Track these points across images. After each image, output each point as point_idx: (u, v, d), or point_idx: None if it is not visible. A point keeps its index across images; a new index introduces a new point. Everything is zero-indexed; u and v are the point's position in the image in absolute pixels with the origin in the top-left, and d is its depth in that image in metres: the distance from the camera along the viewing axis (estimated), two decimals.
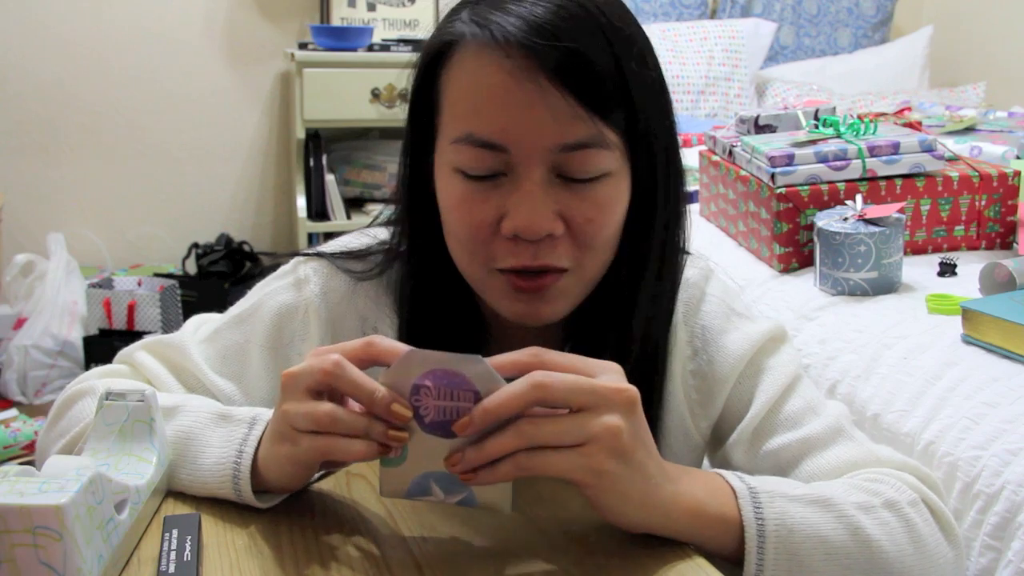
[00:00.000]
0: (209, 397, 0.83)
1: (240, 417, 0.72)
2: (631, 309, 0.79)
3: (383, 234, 0.88)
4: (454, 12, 0.75)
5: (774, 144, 1.59)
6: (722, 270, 0.91)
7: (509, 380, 0.61)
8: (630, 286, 0.78)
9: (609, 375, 0.62)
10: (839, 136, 1.60)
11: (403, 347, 0.62)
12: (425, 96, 0.77)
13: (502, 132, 0.70)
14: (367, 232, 0.90)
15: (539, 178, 0.71)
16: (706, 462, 0.91)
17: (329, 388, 0.62)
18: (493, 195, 0.72)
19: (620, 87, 0.71)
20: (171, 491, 0.73)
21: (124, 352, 0.88)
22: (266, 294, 0.88)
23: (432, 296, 0.83)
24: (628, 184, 0.75)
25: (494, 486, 0.63)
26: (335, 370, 0.61)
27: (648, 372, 0.82)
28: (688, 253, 0.89)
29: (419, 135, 0.78)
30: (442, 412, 0.61)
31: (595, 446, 0.60)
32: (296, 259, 0.89)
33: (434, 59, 0.75)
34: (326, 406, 0.61)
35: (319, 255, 0.88)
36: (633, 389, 0.62)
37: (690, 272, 0.87)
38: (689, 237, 0.84)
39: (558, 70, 0.68)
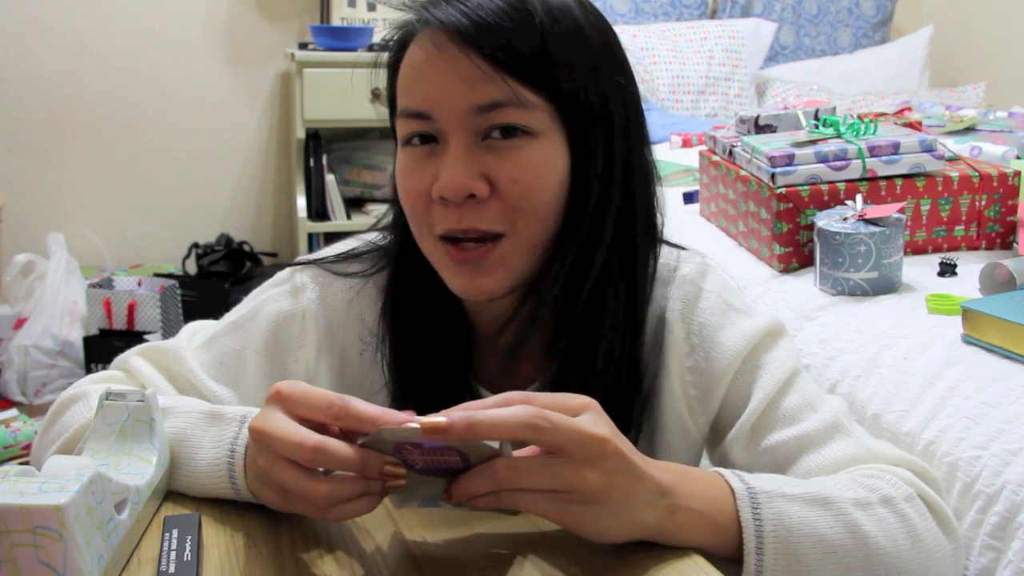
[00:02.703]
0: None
1: (230, 416, 0.72)
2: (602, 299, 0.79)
3: (376, 238, 0.90)
4: (404, 10, 0.80)
5: (774, 144, 1.59)
6: (718, 265, 0.91)
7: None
8: (577, 265, 0.79)
9: (589, 414, 0.63)
10: (839, 136, 1.60)
11: (371, 413, 0.61)
12: (393, 91, 0.82)
13: (424, 100, 0.76)
14: (359, 237, 0.92)
15: (463, 142, 0.75)
16: (705, 460, 0.91)
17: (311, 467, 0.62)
18: (428, 163, 0.77)
19: (536, 47, 0.74)
20: (171, 491, 0.73)
21: (120, 358, 0.88)
22: (262, 300, 0.88)
23: (418, 294, 0.84)
24: (563, 150, 0.77)
25: None
26: (318, 456, 0.60)
27: (627, 374, 0.82)
28: (674, 245, 0.89)
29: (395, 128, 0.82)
30: (430, 463, 0.62)
31: (570, 495, 0.61)
32: (291, 268, 0.89)
33: (394, 58, 0.81)
34: (321, 489, 0.61)
35: (314, 263, 0.89)
36: (607, 436, 0.62)
37: (686, 268, 0.87)
38: (662, 224, 0.85)
39: (465, 37, 0.73)
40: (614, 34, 0.81)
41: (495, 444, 0.61)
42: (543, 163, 0.76)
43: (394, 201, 0.85)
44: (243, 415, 0.72)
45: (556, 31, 0.74)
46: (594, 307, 0.79)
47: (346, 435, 0.63)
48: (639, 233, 0.82)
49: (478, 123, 0.74)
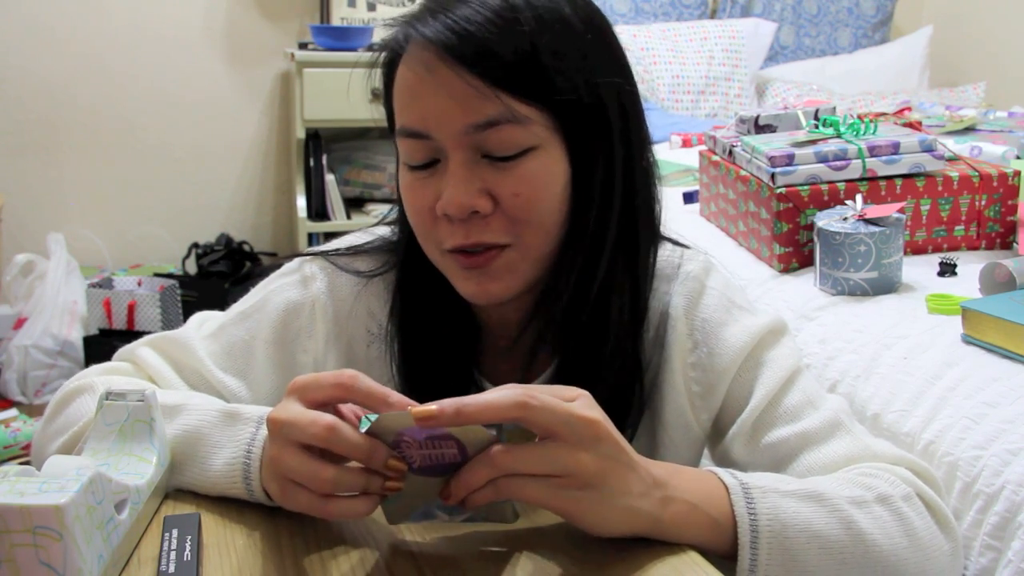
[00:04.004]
0: (214, 394, 0.83)
1: (248, 416, 0.72)
2: (589, 289, 0.80)
3: (386, 232, 0.90)
4: (391, 24, 0.81)
5: (774, 144, 1.59)
6: (721, 264, 0.91)
7: (486, 424, 0.62)
8: (584, 268, 0.80)
9: (581, 400, 0.64)
10: (839, 136, 1.60)
11: (380, 389, 0.63)
12: (389, 101, 0.82)
13: (421, 120, 0.75)
14: (371, 231, 0.92)
15: (462, 159, 0.75)
16: (706, 460, 0.91)
17: (323, 447, 0.62)
18: (431, 181, 0.77)
19: (526, 58, 0.73)
20: (171, 491, 0.73)
21: (126, 349, 0.88)
22: (272, 290, 0.88)
23: (425, 291, 0.85)
24: (562, 158, 0.77)
25: (493, 503, 0.64)
26: (330, 435, 0.61)
27: (624, 368, 0.82)
28: (677, 243, 0.90)
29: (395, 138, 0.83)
30: (428, 459, 0.62)
31: (566, 479, 0.62)
32: (300, 258, 0.89)
33: (387, 68, 0.81)
34: (328, 472, 0.61)
35: (323, 255, 0.89)
36: (599, 419, 0.63)
37: (690, 266, 0.87)
38: (661, 222, 0.85)
39: (456, 55, 0.73)
40: (609, 28, 0.80)
41: (492, 432, 0.61)
42: (544, 174, 0.76)
43: (398, 198, 0.86)
44: (260, 415, 0.72)
45: (546, 36, 0.74)
46: (601, 306, 0.80)
47: None
48: (641, 232, 0.82)
49: (475, 140, 0.74)
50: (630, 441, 0.68)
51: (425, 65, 0.74)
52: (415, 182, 0.78)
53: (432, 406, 0.59)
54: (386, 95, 0.82)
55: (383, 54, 0.81)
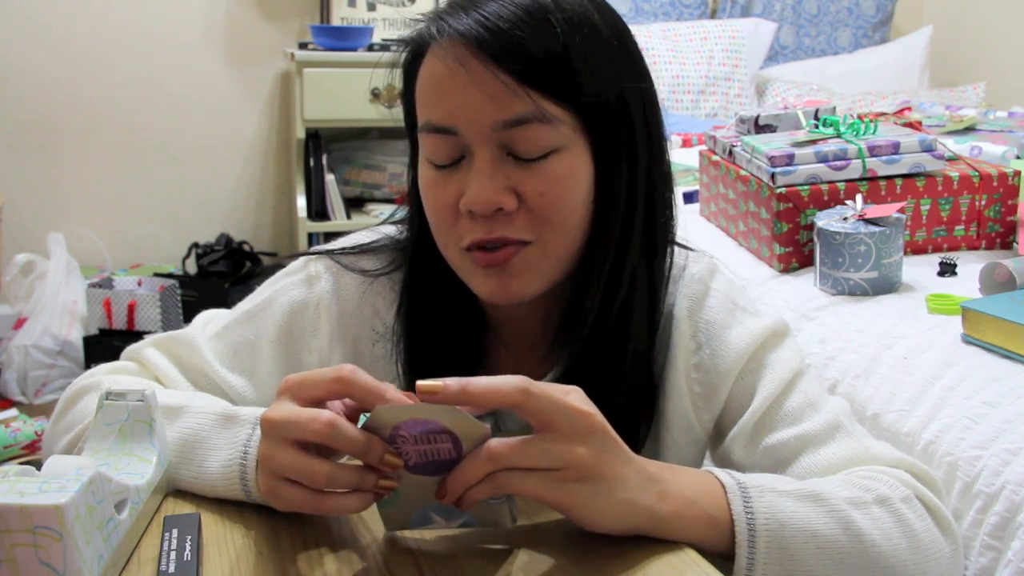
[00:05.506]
0: (219, 394, 0.83)
1: (245, 417, 0.72)
2: (612, 298, 0.80)
3: (392, 232, 0.90)
4: (420, 19, 0.80)
5: (774, 144, 1.59)
6: (725, 266, 0.91)
7: (480, 416, 0.62)
8: (610, 272, 0.80)
9: (575, 395, 0.64)
10: (839, 136, 1.60)
11: (377, 384, 0.63)
12: (409, 97, 0.81)
13: (449, 116, 0.75)
14: (377, 230, 0.92)
15: (489, 156, 0.75)
16: (707, 461, 0.91)
17: (321, 444, 0.62)
18: (454, 178, 0.76)
19: (558, 58, 0.73)
20: (171, 491, 0.73)
21: (132, 348, 0.88)
22: (277, 290, 0.88)
23: (433, 291, 0.85)
24: (587, 160, 0.77)
25: (490, 506, 0.64)
26: (331, 431, 0.61)
27: (639, 370, 0.82)
28: (682, 245, 0.90)
29: (413, 135, 0.82)
30: (423, 455, 0.62)
31: (564, 472, 0.62)
32: (306, 257, 0.90)
33: (409, 64, 0.80)
34: (323, 468, 0.61)
35: (328, 254, 0.89)
36: (594, 412, 0.64)
37: (695, 268, 0.88)
38: (675, 226, 0.85)
39: (489, 52, 0.73)
40: (630, 33, 0.81)
41: (486, 425, 0.61)
42: (569, 175, 0.76)
43: (409, 197, 0.86)
44: (257, 416, 0.72)
45: (576, 38, 0.74)
46: (623, 312, 0.80)
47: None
48: (659, 237, 0.82)
49: (503, 137, 0.74)
50: (639, 445, 0.68)
51: (457, 59, 0.73)
52: (437, 178, 0.77)
53: (436, 382, 0.60)
54: (406, 92, 0.81)
55: (406, 50, 0.80)
